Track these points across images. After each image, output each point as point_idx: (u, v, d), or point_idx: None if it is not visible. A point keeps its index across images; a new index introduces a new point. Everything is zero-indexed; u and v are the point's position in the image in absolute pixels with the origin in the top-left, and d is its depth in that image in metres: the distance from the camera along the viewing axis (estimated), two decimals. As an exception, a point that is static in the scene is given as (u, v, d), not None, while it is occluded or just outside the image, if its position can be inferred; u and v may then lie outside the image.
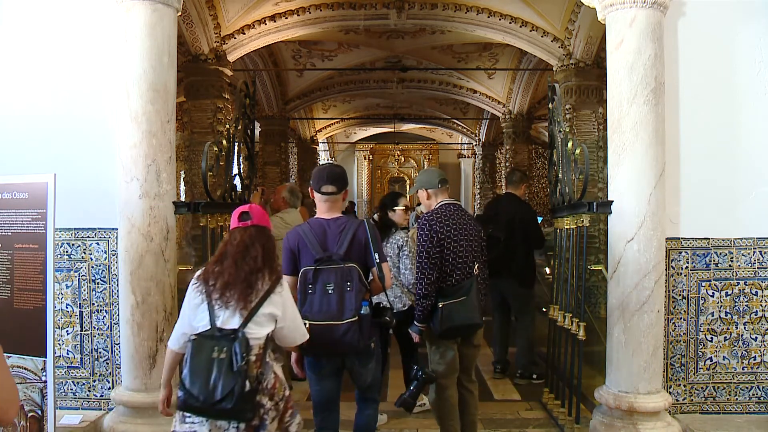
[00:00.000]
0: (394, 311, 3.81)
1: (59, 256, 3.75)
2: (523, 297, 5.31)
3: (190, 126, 7.56)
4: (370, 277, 2.97)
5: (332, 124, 16.19)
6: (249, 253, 2.40)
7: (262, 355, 2.34)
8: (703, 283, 3.79)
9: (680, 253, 3.78)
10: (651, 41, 3.47)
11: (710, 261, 3.79)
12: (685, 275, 3.78)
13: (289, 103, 12.06)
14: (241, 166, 4.23)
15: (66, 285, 3.82)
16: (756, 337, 3.81)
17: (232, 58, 7.54)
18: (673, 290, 3.77)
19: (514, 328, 5.44)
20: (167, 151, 3.57)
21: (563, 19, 7.19)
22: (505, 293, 5.28)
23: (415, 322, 3.40)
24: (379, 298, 3.12)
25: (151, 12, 3.50)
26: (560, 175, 3.98)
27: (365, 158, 20.88)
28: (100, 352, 3.83)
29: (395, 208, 4.35)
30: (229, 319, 2.32)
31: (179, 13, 3.70)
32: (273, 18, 7.41)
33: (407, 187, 19.96)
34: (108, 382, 3.83)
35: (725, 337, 3.81)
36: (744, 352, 3.81)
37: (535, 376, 5.12)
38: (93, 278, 3.82)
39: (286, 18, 7.44)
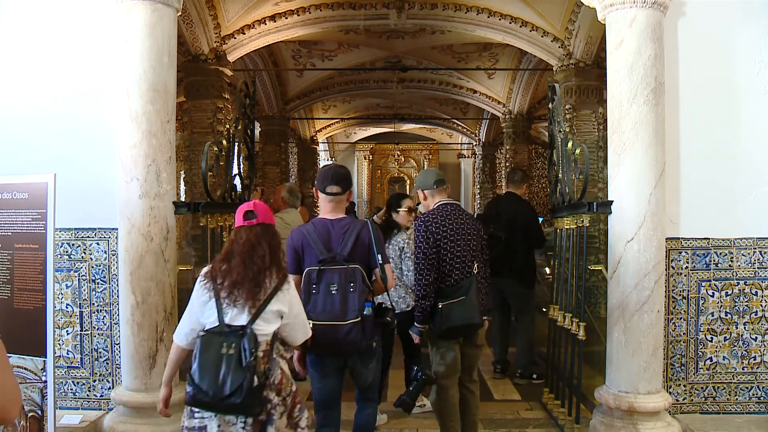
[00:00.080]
0: (398, 312, 3.82)
1: (59, 256, 3.75)
2: (524, 297, 5.31)
3: (190, 126, 7.55)
4: (373, 278, 2.99)
5: (332, 124, 16.18)
6: (256, 252, 2.42)
7: (269, 351, 2.39)
8: (703, 283, 3.79)
9: (680, 253, 3.78)
10: (651, 41, 3.47)
11: (710, 261, 3.79)
12: (685, 275, 3.78)
13: (289, 103, 12.06)
14: (241, 166, 4.23)
15: (66, 285, 3.82)
16: (756, 337, 3.81)
17: (232, 58, 7.54)
18: (673, 290, 3.77)
19: (514, 328, 5.44)
20: (167, 151, 3.57)
21: (563, 19, 7.19)
22: (506, 293, 5.28)
23: (415, 323, 3.40)
24: (383, 298, 3.13)
25: (151, 12, 3.50)
26: (560, 175, 3.98)
27: (365, 158, 20.87)
28: (100, 352, 3.83)
29: (398, 209, 4.36)
30: (237, 316, 2.36)
31: (179, 13, 3.70)
32: (273, 18, 7.41)
33: (407, 187, 19.98)
34: (108, 382, 3.83)
35: (725, 337, 3.81)
36: (744, 352, 3.81)
37: (535, 376, 5.12)
38: (93, 278, 3.82)
39: (286, 18, 7.44)
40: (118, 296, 3.69)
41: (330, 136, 17.69)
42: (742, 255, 3.79)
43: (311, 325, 2.67)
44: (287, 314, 2.46)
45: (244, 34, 7.45)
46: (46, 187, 3.15)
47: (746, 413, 3.79)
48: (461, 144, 18.80)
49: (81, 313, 3.83)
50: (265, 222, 2.51)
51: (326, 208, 3.03)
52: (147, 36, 3.50)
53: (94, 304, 3.83)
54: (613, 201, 3.55)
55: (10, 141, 3.85)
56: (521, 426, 4.15)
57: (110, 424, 3.55)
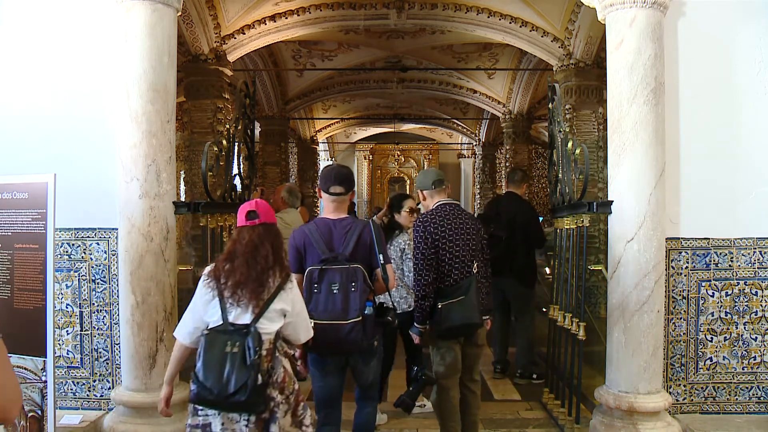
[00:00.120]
0: (400, 312, 3.82)
1: (59, 256, 3.75)
2: (524, 297, 5.31)
3: (190, 126, 7.55)
4: (374, 278, 3.00)
5: (332, 124, 16.17)
6: (259, 253, 2.43)
7: (272, 349, 2.41)
8: (703, 283, 3.79)
9: (680, 253, 3.78)
10: (651, 41, 3.47)
11: (710, 261, 3.79)
12: (685, 275, 3.78)
13: (289, 103, 12.05)
14: (241, 166, 4.23)
15: (66, 285, 3.82)
16: (756, 337, 3.81)
17: (232, 58, 7.54)
18: (673, 290, 3.77)
19: (514, 328, 5.44)
20: (167, 151, 3.57)
21: (563, 19, 7.18)
22: (506, 293, 5.28)
23: (414, 324, 3.40)
24: (385, 298, 3.14)
25: (151, 12, 3.51)
26: (560, 175, 3.98)
27: (365, 158, 20.85)
28: (100, 352, 3.83)
29: (400, 210, 4.35)
30: (241, 315, 2.37)
31: (179, 13, 3.70)
32: (273, 18, 7.41)
33: (407, 187, 19.97)
34: (108, 382, 3.83)
35: (725, 337, 3.81)
36: (744, 352, 3.81)
37: (535, 376, 5.12)
38: (93, 278, 3.82)
39: (286, 18, 7.44)
40: (118, 296, 3.69)
41: (330, 136, 17.68)
42: (742, 255, 3.79)
43: (312, 325, 2.68)
44: (290, 313, 2.48)
45: (244, 34, 7.45)
46: (46, 187, 3.15)
47: (746, 413, 3.79)
48: (461, 144, 18.80)
49: (81, 313, 3.83)
50: (268, 222, 2.52)
51: (329, 208, 3.05)
52: (147, 36, 3.50)
53: (94, 304, 3.83)
54: (613, 201, 3.55)
55: (10, 141, 3.85)
56: (521, 426, 4.15)
57: (110, 424, 3.55)
